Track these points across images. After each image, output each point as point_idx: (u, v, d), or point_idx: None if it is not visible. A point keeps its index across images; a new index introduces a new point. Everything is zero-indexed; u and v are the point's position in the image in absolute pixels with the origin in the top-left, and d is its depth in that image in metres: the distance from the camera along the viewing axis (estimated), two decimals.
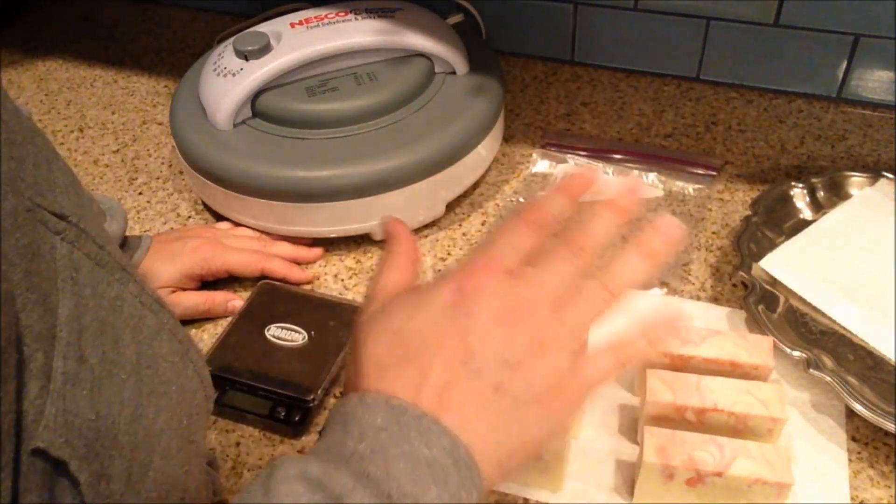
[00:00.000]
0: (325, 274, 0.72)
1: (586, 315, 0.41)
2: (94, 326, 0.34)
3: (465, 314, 0.39)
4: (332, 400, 0.62)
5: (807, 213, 0.72)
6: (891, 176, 0.72)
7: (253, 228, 0.74)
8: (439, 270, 0.71)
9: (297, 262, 0.72)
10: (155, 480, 0.36)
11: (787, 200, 0.73)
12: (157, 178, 0.84)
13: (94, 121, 0.92)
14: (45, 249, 0.32)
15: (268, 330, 0.65)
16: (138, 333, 0.37)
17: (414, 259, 0.46)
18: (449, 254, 0.73)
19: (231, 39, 0.75)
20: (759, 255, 0.67)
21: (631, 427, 0.59)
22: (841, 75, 0.85)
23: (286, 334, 0.64)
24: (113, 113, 0.93)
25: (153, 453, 0.36)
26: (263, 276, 0.70)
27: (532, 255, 0.42)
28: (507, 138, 0.84)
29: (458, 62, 0.77)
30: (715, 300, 0.67)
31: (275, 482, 0.35)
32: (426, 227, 0.75)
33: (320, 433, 0.43)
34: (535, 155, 0.82)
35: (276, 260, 0.71)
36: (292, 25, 0.75)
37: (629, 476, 0.56)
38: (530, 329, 0.39)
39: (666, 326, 0.44)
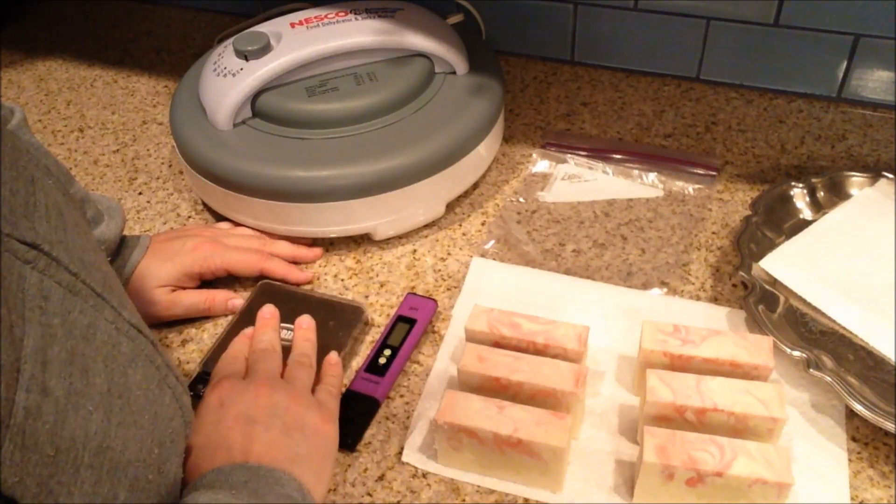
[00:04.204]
0: (325, 274, 0.72)
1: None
2: (63, 356, 0.33)
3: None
4: None
5: (807, 213, 0.72)
6: (891, 176, 0.72)
7: (253, 228, 0.74)
8: (438, 271, 0.71)
9: (297, 262, 0.72)
10: None
11: (787, 200, 0.73)
12: (157, 178, 0.84)
13: (94, 121, 0.92)
14: (13, 279, 0.31)
15: None
16: (111, 361, 0.37)
17: None
18: (449, 254, 0.73)
19: (231, 39, 0.75)
20: (759, 255, 0.67)
21: (631, 427, 0.59)
22: (841, 75, 0.85)
23: (286, 334, 0.64)
24: (113, 113, 0.93)
25: (118, 486, 0.36)
26: (263, 276, 0.70)
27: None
28: (507, 138, 0.84)
29: (458, 62, 0.77)
30: (715, 300, 0.67)
31: None
32: (426, 227, 0.75)
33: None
34: (535, 155, 0.82)
35: (276, 260, 0.71)
36: (292, 25, 0.75)
37: (629, 476, 0.56)
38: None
39: None
